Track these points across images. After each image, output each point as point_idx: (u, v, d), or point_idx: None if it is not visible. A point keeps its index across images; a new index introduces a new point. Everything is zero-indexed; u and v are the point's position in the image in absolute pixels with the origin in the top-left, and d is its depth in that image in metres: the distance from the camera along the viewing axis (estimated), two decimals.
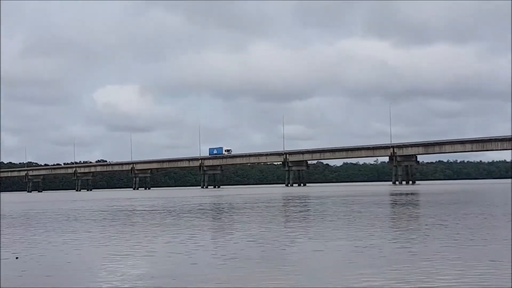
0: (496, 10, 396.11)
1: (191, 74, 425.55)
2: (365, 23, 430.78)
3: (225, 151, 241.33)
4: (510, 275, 13.39)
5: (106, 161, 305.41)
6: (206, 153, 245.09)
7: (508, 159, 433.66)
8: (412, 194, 77.27)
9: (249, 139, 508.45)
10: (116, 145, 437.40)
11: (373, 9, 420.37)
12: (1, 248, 20.83)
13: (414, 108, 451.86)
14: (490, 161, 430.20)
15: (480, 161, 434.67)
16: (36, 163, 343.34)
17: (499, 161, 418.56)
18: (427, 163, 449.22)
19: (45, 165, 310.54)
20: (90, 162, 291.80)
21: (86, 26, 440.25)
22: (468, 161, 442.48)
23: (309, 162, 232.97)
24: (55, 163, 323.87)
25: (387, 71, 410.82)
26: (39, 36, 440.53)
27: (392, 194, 76.79)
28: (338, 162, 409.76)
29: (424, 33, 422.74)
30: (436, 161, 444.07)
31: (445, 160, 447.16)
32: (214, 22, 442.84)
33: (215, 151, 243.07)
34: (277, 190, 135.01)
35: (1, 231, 28.89)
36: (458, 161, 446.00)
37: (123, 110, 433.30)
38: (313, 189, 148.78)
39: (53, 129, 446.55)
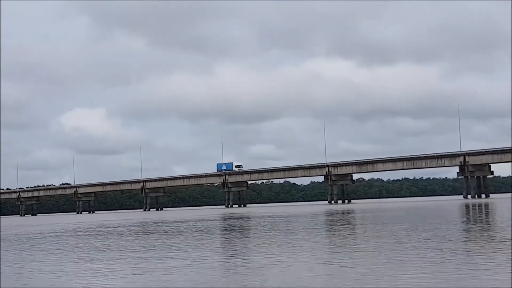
0: (456, 31, 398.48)
1: (158, 97, 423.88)
2: (328, 44, 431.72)
3: (236, 166, 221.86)
4: (510, 275, 13.38)
5: (70, 184, 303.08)
6: (147, 176, 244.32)
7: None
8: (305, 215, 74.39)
9: (219, 161, 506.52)
10: (85, 169, 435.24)
11: (335, 30, 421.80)
12: None
13: (381, 127, 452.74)
14: (455, 177, 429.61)
15: (446, 177, 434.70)
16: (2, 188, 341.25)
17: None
18: (393, 180, 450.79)
19: None
20: (37, 187, 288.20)
21: (50, 50, 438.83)
22: (434, 178, 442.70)
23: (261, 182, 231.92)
24: (19, 187, 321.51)
25: (353, 90, 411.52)
26: (3, 61, 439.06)
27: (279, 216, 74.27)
28: (305, 181, 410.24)
29: (386, 53, 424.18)
30: (402, 178, 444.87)
31: (411, 178, 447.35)
32: (178, 45, 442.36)
33: (224, 167, 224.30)
34: (209, 212, 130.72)
35: None
36: (424, 178, 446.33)
37: (91, 134, 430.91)
38: (249, 210, 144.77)
39: (20, 154, 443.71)
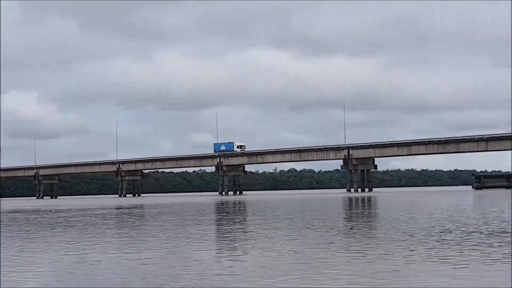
0: (391, 25, 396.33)
1: (95, 83, 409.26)
2: (266, 35, 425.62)
3: (237, 147, 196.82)
4: (510, 275, 13.49)
5: None
6: (43, 162, 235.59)
7: (405, 167, 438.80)
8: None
9: (159, 148, 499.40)
10: (20, 153, 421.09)
11: (273, 21, 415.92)
12: None
13: (318, 118, 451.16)
14: (395, 169, 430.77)
15: (387, 170, 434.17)
16: None
17: (394, 170, 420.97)
18: (325, 171, 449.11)
19: None
20: None
21: None
22: (372, 170, 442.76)
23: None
24: None
25: (291, 81, 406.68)
26: None
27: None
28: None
29: (323, 46, 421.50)
30: (333, 170, 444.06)
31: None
32: (115, 30, 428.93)
33: (222, 147, 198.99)
34: (101, 202, 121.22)
35: None
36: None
37: (26, 118, 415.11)
38: (143, 200, 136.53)
39: None
